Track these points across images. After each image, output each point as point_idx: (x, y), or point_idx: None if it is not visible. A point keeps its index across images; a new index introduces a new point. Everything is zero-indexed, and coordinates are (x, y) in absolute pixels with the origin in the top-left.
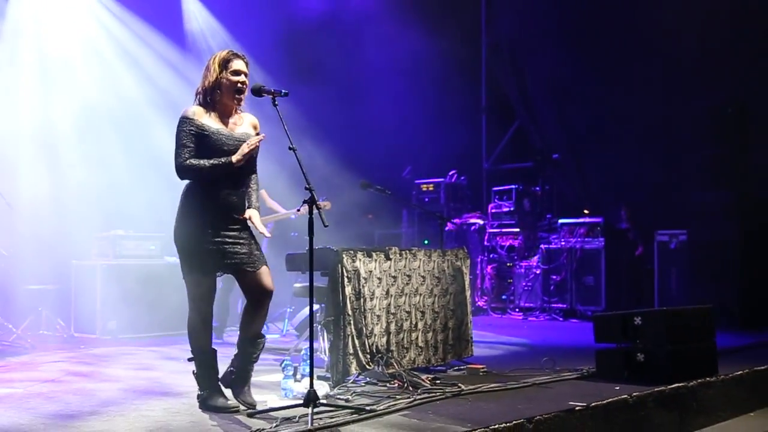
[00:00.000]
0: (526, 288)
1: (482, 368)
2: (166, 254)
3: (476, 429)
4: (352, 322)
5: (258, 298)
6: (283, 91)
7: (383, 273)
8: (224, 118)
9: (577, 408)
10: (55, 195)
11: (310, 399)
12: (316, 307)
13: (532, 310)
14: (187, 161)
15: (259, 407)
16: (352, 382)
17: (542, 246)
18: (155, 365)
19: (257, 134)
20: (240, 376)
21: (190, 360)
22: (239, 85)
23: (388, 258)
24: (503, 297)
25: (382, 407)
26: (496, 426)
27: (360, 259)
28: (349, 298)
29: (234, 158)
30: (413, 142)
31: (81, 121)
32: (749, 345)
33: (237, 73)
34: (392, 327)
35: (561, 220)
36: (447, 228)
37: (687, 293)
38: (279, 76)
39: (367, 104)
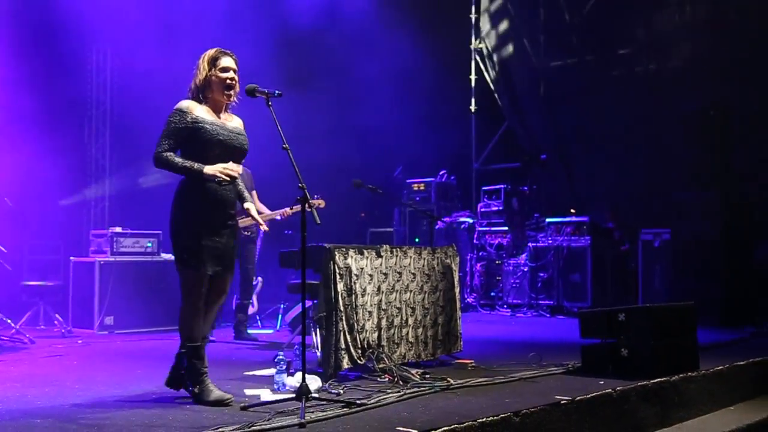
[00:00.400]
0: (514, 285)
1: (471, 363)
2: (163, 251)
3: (465, 422)
4: (344, 317)
5: (218, 300)
6: (277, 91)
7: (374, 270)
8: (216, 113)
9: (563, 402)
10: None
11: (303, 393)
12: (308, 303)
13: (520, 306)
14: (164, 153)
15: (252, 401)
16: (343, 377)
17: (530, 244)
18: (151, 360)
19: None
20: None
21: (180, 355)
22: (228, 81)
23: (379, 255)
24: (492, 294)
25: (372, 401)
26: (484, 419)
27: (352, 257)
28: (341, 294)
29: (206, 169)
30: (405, 143)
31: None
32: (730, 341)
33: (225, 69)
34: (383, 323)
35: (548, 219)
36: (437, 226)
37: (670, 290)
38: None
39: (360, 108)
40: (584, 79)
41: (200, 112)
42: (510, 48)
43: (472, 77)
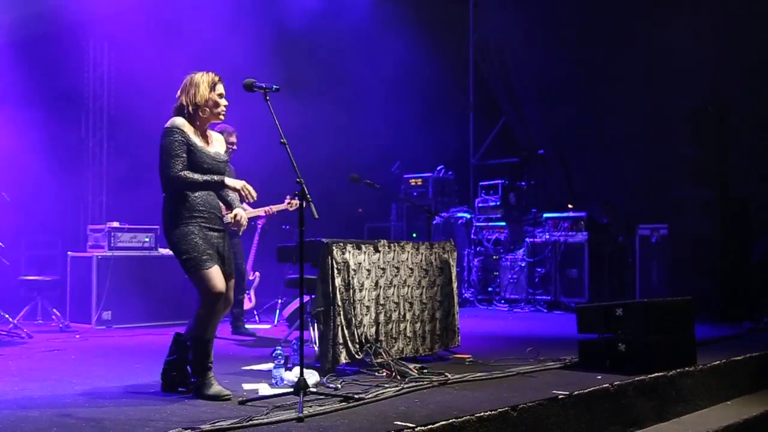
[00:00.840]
0: (511, 280)
1: (468, 358)
2: (160, 246)
3: (462, 417)
4: (341, 312)
5: (223, 310)
6: (274, 86)
7: (372, 265)
8: (202, 135)
9: (560, 396)
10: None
11: (300, 387)
12: (306, 298)
13: (518, 301)
14: (182, 173)
15: (250, 395)
16: (341, 371)
17: (527, 239)
18: (149, 354)
19: (227, 152)
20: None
21: (170, 361)
22: (222, 109)
23: (377, 250)
24: (489, 289)
25: (370, 395)
26: (482, 414)
27: (349, 251)
28: (339, 289)
29: (227, 180)
30: (402, 138)
31: None
32: (726, 336)
33: (221, 96)
34: (381, 317)
35: (546, 215)
36: (435, 221)
37: (667, 285)
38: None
39: (357, 103)
40: (582, 75)
41: (191, 133)
42: (508, 44)
43: (470, 73)
